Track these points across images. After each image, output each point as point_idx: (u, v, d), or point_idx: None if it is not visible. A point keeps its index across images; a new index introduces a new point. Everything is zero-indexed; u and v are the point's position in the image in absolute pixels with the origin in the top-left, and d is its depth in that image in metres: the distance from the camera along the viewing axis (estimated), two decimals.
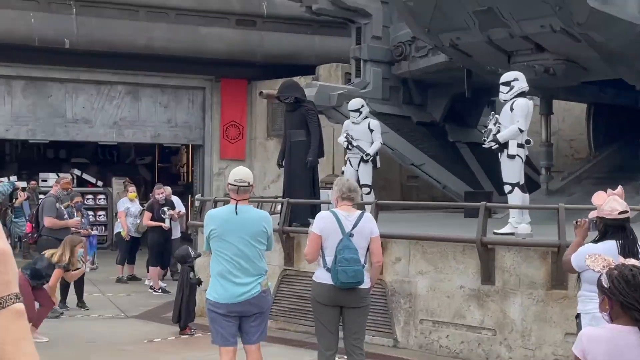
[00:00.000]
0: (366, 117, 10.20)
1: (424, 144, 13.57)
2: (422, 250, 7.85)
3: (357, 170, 10.02)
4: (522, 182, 7.99)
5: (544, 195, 11.51)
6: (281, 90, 9.73)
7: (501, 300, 7.23)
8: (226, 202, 5.52)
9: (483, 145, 8.19)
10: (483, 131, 8.24)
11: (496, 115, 8.07)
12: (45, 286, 8.15)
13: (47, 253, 8.23)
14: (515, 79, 8.07)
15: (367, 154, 9.87)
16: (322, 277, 5.59)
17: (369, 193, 9.86)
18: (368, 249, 5.65)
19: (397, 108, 13.84)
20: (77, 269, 8.45)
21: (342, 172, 10.52)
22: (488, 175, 13.68)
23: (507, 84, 8.05)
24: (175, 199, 13.12)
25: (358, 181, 9.50)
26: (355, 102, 10.26)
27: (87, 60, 16.20)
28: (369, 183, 9.97)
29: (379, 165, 10.13)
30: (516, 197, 7.93)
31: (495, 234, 7.70)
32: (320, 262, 5.65)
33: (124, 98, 17.27)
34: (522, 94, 8.04)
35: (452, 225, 9.81)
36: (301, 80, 15.42)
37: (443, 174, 13.10)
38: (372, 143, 9.98)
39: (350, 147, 10.06)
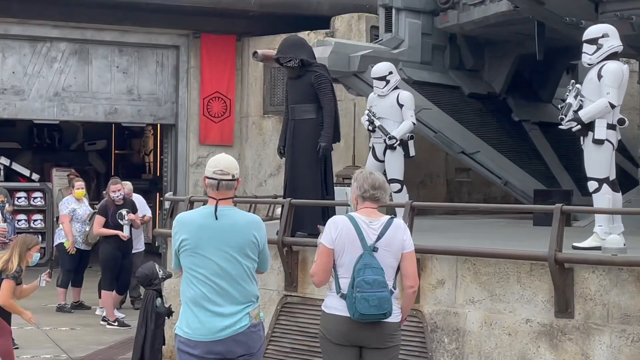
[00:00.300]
0: (396, 88, 10.20)
1: (479, 124, 13.59)
2: (473, 270, 7.82)
3: (384, 161, 10.02)
4: (612, 177, 7.95)
5: None
6: (282, 50, 9.72)
7: (582, 339, 7.20)
8: (205, 203, 5.51)
9: (560, 127, 8.17)
10: (560, 107, 8.20)
11: (577, 85, 8.03)
12: None
13: None
14: (604, 35, 8.03)
15: (391, 137, 9.88)
16: (335, 306, 5.58)
17: (399, 191, 9.87)
18: (398, 268, 5.64)
19: (441, 75, 13.85)
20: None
21: None
22: (566, 167, 13.66)
23: (592, 41, 8.01)
24: (137, 198, 13.16)
25: (385, 175, 9.49)
26: (380, 68, 10.26)
27: (18, 8, 16.23)
28: (399, 177, 9.98)
29: (412, 153, 10.14)
30: (604, 198, 7.89)
31: (574, 248, 7.67)
32: (332, 285, 5.64)
33: (68, 60, 17.31)
34: (613, 56, 7.99)
35: (516, 235, 9.78)
36: (310, 37, 15.47)
37: (504, 166, 13.11)
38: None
39: (371, 128, 10.06)
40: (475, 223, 11.90)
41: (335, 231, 5.59)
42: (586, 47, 8.04)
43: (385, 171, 9.86)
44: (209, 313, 5.23)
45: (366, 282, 5.44)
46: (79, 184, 13.67)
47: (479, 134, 13.31)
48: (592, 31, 8.10)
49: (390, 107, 10.06)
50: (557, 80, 14.63)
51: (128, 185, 12.96)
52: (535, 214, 10.82)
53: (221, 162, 5.38)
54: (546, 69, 14.03)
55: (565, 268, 7.25)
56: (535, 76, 14.48)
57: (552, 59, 13.12)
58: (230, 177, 5.34)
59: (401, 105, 10.04)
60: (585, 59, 8.06)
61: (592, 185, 7.97)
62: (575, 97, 7.90)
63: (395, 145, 9.94)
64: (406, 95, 10.19)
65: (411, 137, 10.16)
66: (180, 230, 5.34)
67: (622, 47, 8.10)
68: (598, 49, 7.98)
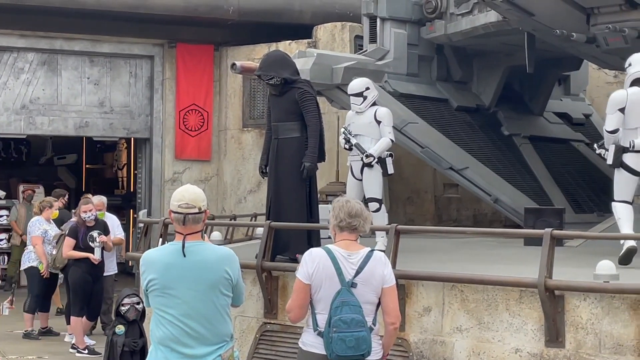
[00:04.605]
0: (374, 104, 10.19)
1: (468, 138, 13.61)
2: (461, 297, 7.83)
3: (362, 180, 10.04)
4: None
5: None
6: (264, 66, 9.64)
7: None
8: None
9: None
10: None
11: None
12: None
13: None
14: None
15: (369, 155, 9.86)
16: (312, 343, 5.56)
17: (377, 210, 9.83)
18: (379, 304, 5.62)
19: (428, 87, 13.88)
20: None
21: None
22: (558, 183, 13.68)
23: None
24: (110, 218, 13.05)
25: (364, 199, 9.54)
26: (356, 84, 10.22)
27: None
28: (377, 196, 9.96)
29: (390, 170, 10.07)
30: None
31: None
32: (309, 321, 5.62)
33: (36, 71, 17.26)
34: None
35: (506, 258, 9.79)
36: (292, 47, 15.49)
37: (494, 182, 13.12)
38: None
39: (348, 147, 10.05)
40: (463, 243, 11.89)
41: (312, 265, 5.56)
42: None
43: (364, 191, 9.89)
44: (179, 355, 5.18)
45: (343, 322, 5.41)
46: (57, 204, 13.55)
47: (468, 148, 13.32)
48: None
49: (369, 124, 10.02)
50: (549, 93, 14.68)
51: (100, 198, 12.83)
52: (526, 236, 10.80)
53: (186, 195, 5.29)
54: (537, 80, 14.08)
55: (555, 295, 7.26)
56: (526, 88, 14.53)
57: (543, 70, 13.18)
58: (196, 210, 5.26)
59: (379, 122, 10.02)
60: None
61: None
62: None
63: (372, 163, 9.92)
64: (384, 112, 10.16)
65: (390, 155, 10.13)
66: (148, 269, 5.28)
67: None
68: None
